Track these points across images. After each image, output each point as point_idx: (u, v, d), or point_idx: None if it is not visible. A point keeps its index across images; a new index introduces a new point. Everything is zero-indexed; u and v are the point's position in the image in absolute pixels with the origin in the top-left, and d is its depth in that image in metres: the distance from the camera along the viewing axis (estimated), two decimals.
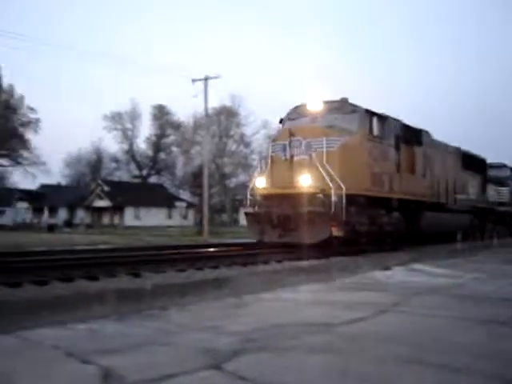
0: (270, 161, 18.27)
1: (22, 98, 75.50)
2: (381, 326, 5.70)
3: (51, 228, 61.23)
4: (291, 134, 17.51)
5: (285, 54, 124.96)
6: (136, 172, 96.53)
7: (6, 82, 74.18)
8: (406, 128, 21.57)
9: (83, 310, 6.64)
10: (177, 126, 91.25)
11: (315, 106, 18.88)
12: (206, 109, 41.75)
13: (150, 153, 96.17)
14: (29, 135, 75.49)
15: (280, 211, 17.03)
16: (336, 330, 5.39)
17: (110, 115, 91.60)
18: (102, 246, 21.68)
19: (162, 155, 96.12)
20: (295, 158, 17.41)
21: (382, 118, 19.42)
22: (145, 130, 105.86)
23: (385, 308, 6.64)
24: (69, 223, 74.64)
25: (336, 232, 16.57)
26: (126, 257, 14.74)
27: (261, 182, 18.23)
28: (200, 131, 71.49)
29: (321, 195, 16.39)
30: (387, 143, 19.69)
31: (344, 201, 16.19)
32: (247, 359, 4.28)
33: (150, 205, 78.15)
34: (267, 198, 17.89)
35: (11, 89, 74.91)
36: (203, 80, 40.01)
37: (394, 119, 20.63)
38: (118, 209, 78.33)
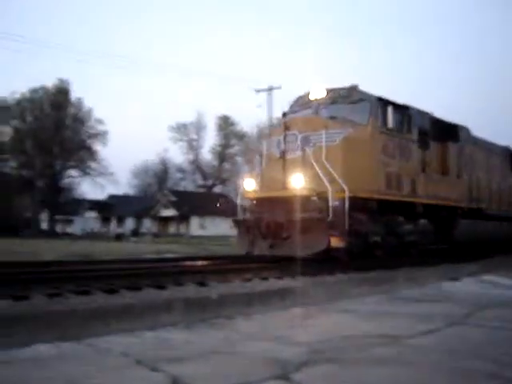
0: (262, 159, 16.25)
1: (90, 110, 77.68)
2: (451, 338, 5.56)
3: (119, 237, 62.58)
4: (286, 128, 15.07)
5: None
6: (201, 182, 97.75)
7: (74, 96, 76.42)
8: (437, 122, 18.82)
9: (151, 319, 6.73)
10: (241, 136, 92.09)
11: (318, 96, 16.26)
12: (270, 118, 41.94)
13: (215, 163, 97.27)
14: (97, 147, 77.57)
15: (271, 218, 14.62)
16: (404, 343, 5.29)
17: (176, 126, 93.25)
18: (168, 255, 21.95)
19: (227, 165, 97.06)
20: (289, 156, 14.92)
21: (401, 109, 16.63)
22: (209, 141, 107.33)
23: (455, 320, 6.48)
24: (136, 232, 76.11)
25: (336, 242, 13.92)
26: (192, 266, 14.90)
27: (250, 184, 15.86)
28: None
29: (315, 198, 13.97)
30: (408, 138, 16.92)
31: (347, 205, 13.66)
32: (314, 370, 4.24)
33: (214, 214, 78.86)
34: (257, 202, 15.56)
35: (80, 102, 77.18)
36: (267, 90, 40.26)
37: (419, 111, 17.90)
38: (183, 218, 79.43)
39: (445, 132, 19.12)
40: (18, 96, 72.38)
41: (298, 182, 14.15)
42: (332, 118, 15.38)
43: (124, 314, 7.19)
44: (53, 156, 74.21)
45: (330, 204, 13.54)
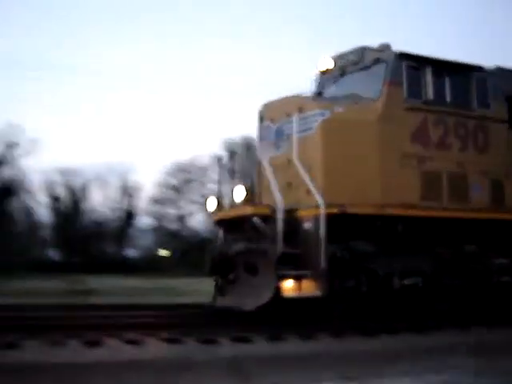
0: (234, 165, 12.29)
1: None
2: None
3: None
4: (261, 117, 10.89)
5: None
6: None
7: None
8: None
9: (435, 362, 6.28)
10: None
11: (323, 68, 11.47)
12: None
13: None
14: None
15: (224, 249, 10.26)
16: None
17: None
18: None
19: None
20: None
21: (459, 70, 10.82)
22: None
23: None
24: None
25: (308, 289, 9.14)
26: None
27: (211, 203, 11.06)
28: None
29: (257, 219, 9.47)
30: (482, 116, 10.92)
31: (322, 229, 8.97)
32: None
33: None
34: (222, 226, 10.94)
35: None
36: None
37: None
38: None
39: None
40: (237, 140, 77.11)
41: (239, 196, 10.13)
42: (317, 94, 11.27)
43: (397, 358, 6.75)
44: None
45: (279, 228, 9.18)
